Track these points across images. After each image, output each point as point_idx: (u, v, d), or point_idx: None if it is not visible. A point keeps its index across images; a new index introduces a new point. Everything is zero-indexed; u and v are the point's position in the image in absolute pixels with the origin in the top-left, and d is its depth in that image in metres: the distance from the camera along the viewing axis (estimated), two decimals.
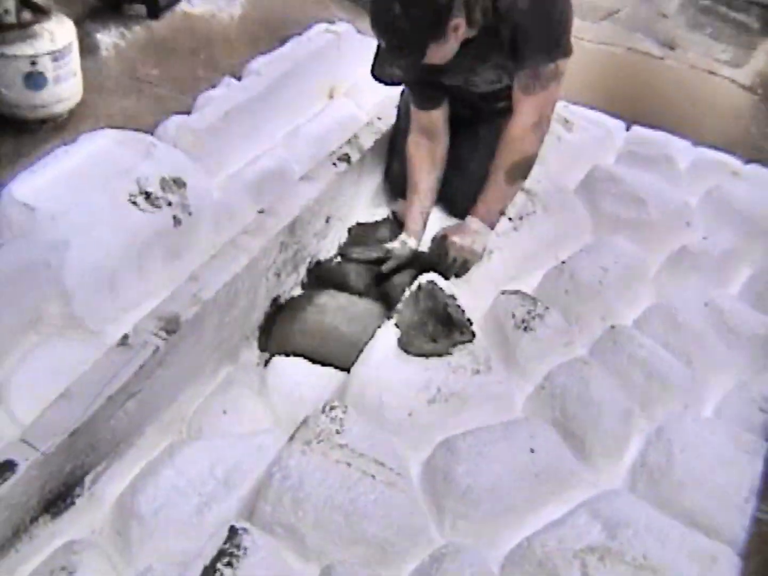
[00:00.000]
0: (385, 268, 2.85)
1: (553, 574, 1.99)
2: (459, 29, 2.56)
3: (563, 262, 2.94)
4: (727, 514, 2.21)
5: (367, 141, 3.14)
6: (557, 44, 2.74)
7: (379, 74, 2.72)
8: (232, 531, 1.91)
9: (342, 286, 2.84)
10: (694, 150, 3.76)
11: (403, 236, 2.93)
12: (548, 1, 2.70)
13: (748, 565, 2.14)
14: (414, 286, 2.62)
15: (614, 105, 4.04)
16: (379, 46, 2.65)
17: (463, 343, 2.49)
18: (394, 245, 2.90)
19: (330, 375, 2.52)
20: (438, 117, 3.00)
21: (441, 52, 2.60)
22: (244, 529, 1.92)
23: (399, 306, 2.57)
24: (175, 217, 2.67)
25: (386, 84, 2.85)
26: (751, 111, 4.55)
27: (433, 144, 3.01)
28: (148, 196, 2.64)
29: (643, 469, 2.34)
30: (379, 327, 2.52)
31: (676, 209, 3.26)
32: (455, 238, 2.79)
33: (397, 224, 3.09)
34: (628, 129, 3.86)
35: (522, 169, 2.87)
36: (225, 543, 1.88)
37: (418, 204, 2.98)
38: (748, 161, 3.75)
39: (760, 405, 2.54)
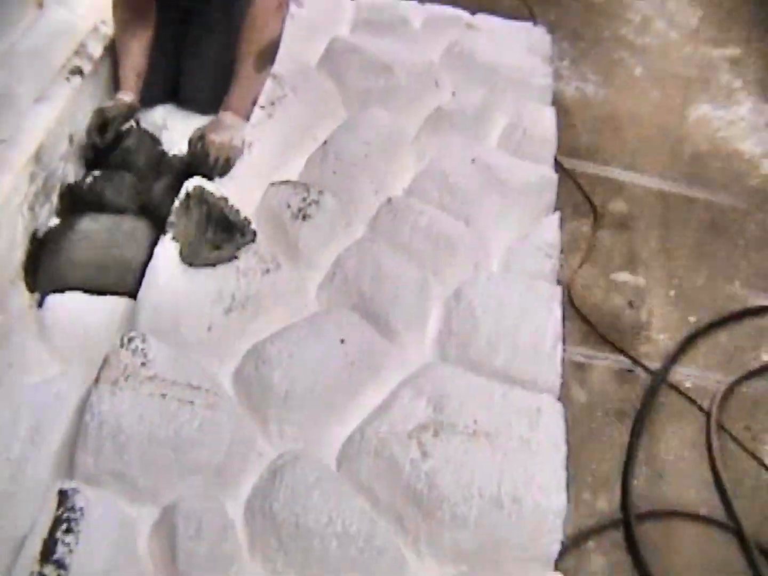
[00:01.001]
0: (104, 141, 2.70)
1: (393, 459, 1.99)
2: None
3: (324, 143, 2.87)
4: (539, 363, 2.28)
5: (96, 49, 2.88)
6: None
7: None
8: (62, 494, 1.77)
9: (100, 206, 2.63)
10: (423, 9, 3.75)
11: (118, 95, 2.78)
12: None
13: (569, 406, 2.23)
14: (182, 194, 2.47)
15: None
16: None
17: (246, 244, 2.40)
18: (106, 104, 2.74)
19: (113, 303, 2.36)
20: None
21: None
22: (74, 489, 1.79)
23: (171, 218, 2.41)
24: None
25: None
26: None
27: (144, 23, 2.81)
28: None
29: (449, 336, 2.37)
30: (155, 244, 2.37)
31: (423, 70, 3.25)
32: (213, 136, 2.65)
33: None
34: None
35: (269, 55, 2.75)
36: (58, 509, 1.74)
37: (129, 63, 2.82)
38: (475, 12, 3.77)
39: (545, 251, 2.61)
